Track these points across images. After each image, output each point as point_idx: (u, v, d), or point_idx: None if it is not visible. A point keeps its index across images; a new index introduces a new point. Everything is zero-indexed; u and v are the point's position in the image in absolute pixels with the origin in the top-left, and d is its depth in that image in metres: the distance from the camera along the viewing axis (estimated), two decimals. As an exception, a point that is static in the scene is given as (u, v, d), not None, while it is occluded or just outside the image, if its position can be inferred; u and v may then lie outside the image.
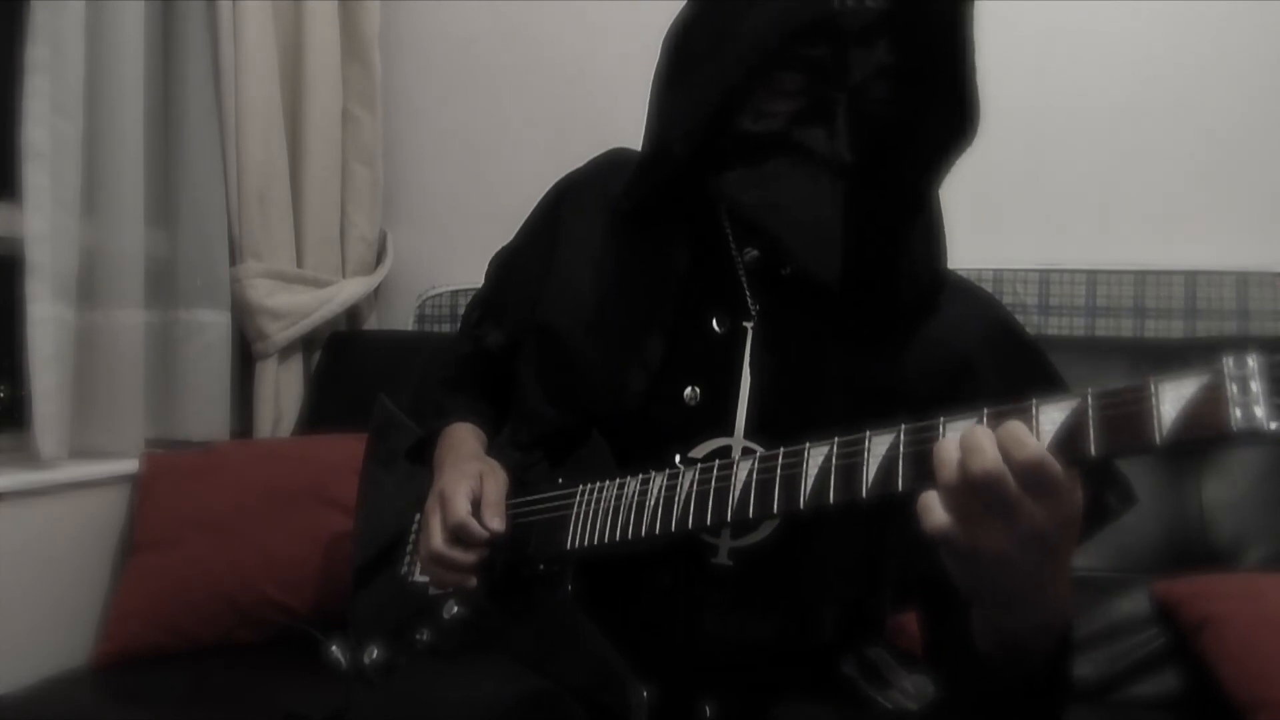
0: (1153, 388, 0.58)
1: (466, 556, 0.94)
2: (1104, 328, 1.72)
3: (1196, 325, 1.67)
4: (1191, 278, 1.68)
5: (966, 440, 0.61)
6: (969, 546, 0.63)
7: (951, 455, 0.62)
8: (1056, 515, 0.61)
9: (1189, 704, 1.35)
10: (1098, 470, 0.65)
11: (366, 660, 1.03)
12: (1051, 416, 0.61)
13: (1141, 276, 1.71)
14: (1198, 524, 1.45)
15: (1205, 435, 0.56)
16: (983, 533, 0.62)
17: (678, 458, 0.86)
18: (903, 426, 0.68)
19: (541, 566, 0.94)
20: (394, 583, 1.10)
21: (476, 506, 0.95)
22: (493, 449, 1.07)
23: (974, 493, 0.61)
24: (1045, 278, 1.76)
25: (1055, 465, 0.59)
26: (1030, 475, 0.60)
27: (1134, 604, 1.41)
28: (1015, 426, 0.61)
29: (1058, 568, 0.66)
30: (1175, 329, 1.68)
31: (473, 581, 0.95)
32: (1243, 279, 1.66)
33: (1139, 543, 1.44)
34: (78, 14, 1.56)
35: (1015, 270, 1.76)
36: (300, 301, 1.96)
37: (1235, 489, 1.46)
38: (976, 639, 0.73)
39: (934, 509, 0.63)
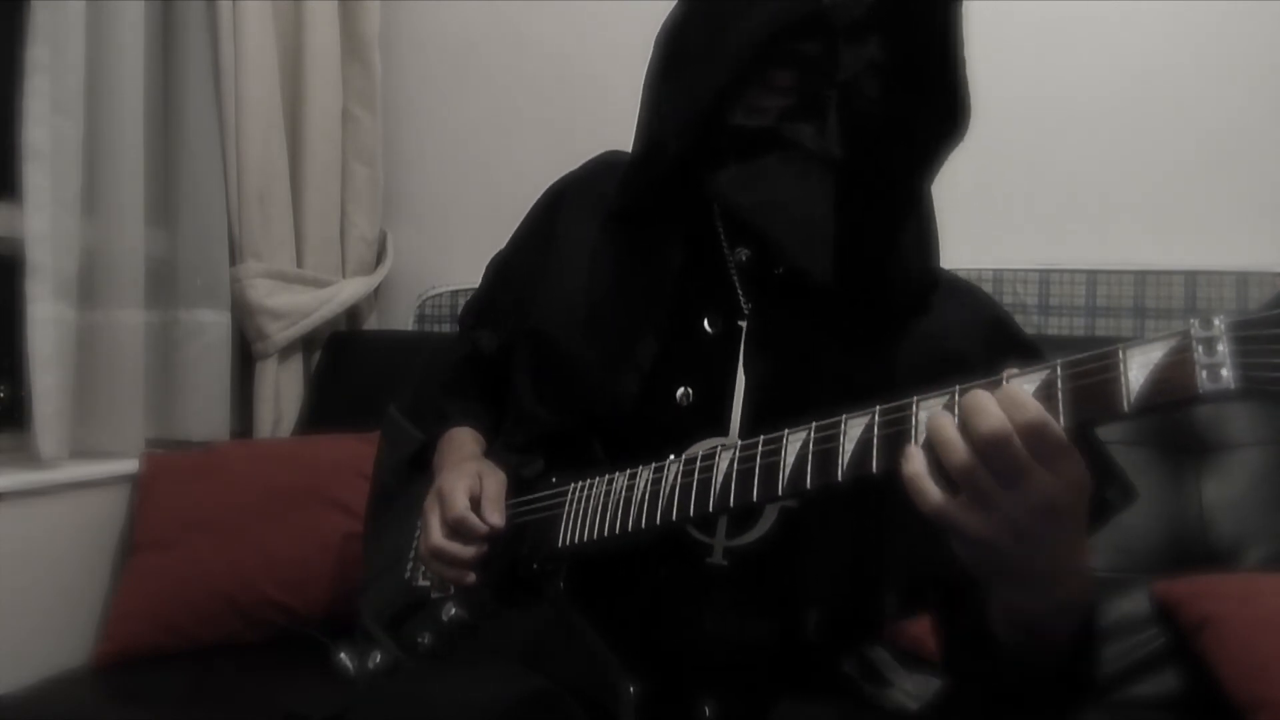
0: (1121, 354, 0.58)
1: (466, 551, 0.94)
2: (1104, 328, 1.72)
3: (1197, 325, 1.67)
4: (1191, 278, 1.68)
5: (968, 403, 0.60)
6: (981, 524, 0.61)
7: (950, 431, 0.61)
8: (1064, 480, 0.60)
9: (1189, 704, 1.35)
10: (1097, 466, 0.65)
11: (370, 665, 1.03)
12: (1022, 388, 0.61)
13: (1141, 276, 1.70)
14: (1198, 524, 1.45)
15: (1173, 398, 0.56)
16: (994, 507, 0.61)
17: (671, 459, 0.85)
18: (877, 408, 0.68)
19: (536, 566, 0.94)
20: (398, 587, 1.10)
21: (475, 504, 0.95)
22: (490, 452, 1.07)
23: (983, 460, 0.60)
24: (1045, 278, 1.75)
25: (1057, 426, 0.59)
26: (1035, 437, 0.59)
27: (1134, 604, 1.40)
28: (1013, 389, 0.60)
29: (1074, 537, 0.65)
30: (1176, 329, 1.68)
31: (471, 577, 0.95)
32: (1243, 279, 1.65)
33: (1139, 543, 1.44)
34: (78, 14, 1.56)
35: (1015, 270, 1.76)
36: (300, 301, 1.96)
37: (1235, 489, 1.46)
38: (996, 626, 0.72)
39: (933, 491, 0.62)
